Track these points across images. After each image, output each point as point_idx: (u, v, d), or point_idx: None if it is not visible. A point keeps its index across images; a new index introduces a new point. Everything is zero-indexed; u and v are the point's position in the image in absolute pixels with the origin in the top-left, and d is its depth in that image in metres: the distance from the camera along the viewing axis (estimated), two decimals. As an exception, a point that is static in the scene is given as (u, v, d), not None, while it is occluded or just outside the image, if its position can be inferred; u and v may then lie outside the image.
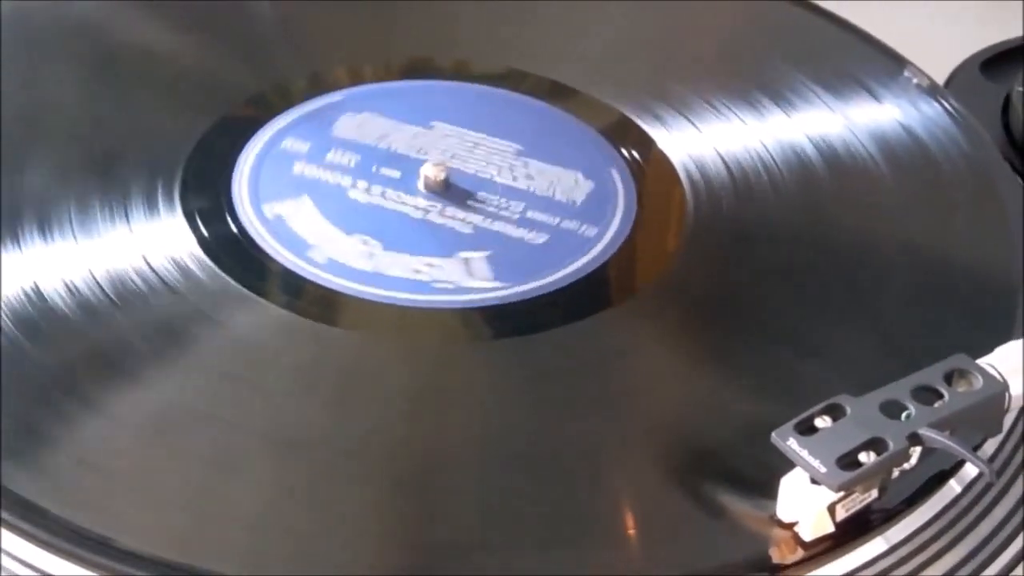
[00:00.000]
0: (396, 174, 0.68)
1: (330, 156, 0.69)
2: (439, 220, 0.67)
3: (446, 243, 0.66)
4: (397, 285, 0.63)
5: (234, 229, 0.65)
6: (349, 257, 0.64)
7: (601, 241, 0.66)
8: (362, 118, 0.71)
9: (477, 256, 0.65)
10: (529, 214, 0.67)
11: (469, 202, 0.68)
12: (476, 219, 0.67)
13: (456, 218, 0.67)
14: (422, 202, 0.67)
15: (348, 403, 0.59)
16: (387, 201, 0.67)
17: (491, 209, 0.67)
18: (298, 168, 0.68)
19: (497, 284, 0.64)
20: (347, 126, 0.71)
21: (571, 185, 0.69)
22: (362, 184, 0.68)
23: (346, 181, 0.68)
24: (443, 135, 0.71)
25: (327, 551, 0.54)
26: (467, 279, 0.64)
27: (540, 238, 0.66)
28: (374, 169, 0.69)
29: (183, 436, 0.58)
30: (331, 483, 0.57)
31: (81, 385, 0.59)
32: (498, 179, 0.69)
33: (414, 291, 0.63)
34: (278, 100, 0.72)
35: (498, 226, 0.67)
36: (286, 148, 0.69)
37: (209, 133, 0.69)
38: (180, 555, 0.54)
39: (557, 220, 0.67)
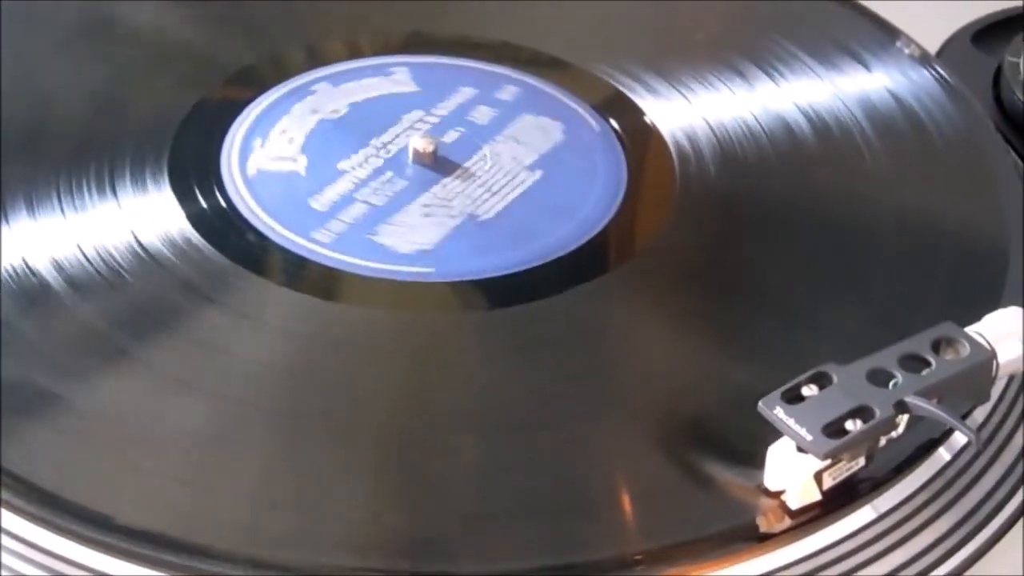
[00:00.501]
0: (389, 173, 0.68)
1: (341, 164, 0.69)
2: (439, 196, 0.67)
3: (449, 215, 0.66)
4: (397, 259, 0.64)
5: (223, 203, 0.65)
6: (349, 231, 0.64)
7: (605, 182, 0.67)
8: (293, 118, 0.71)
9: (481, 218, 0.66)
10: (526, 163, 0.68)
11: (459, 171, 0.68)
12: (479, 180, 0.67)
13: (455, 190, 0.67)
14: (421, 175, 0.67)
15: (343, 376, 0.60)
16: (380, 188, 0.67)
17: (484, 173, 0.68)
18: (319, 205, 0.67)
19: (502, 252, 0.64)
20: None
21: (546, 130, 0.70)
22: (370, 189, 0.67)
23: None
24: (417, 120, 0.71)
25: (324, 524, 0.54)
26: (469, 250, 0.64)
27: (547, 186, 0.67)
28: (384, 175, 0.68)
29: (176, 412, 0.58)
30: (328, 457, 0.57)
31: (71, 361, 0.59)
32: (476, 139, 0.69)
33: (411, 264, 0.63)
34: (268, 74, 0.72)
35: (496, 188, 0.67)
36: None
37: (197, 107, 0.69)
38: (177, 530, 0.54)
39: (550, 166, 0.68)
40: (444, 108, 0.71)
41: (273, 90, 0.71)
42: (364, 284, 0.63)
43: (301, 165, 0.67)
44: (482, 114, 0.70)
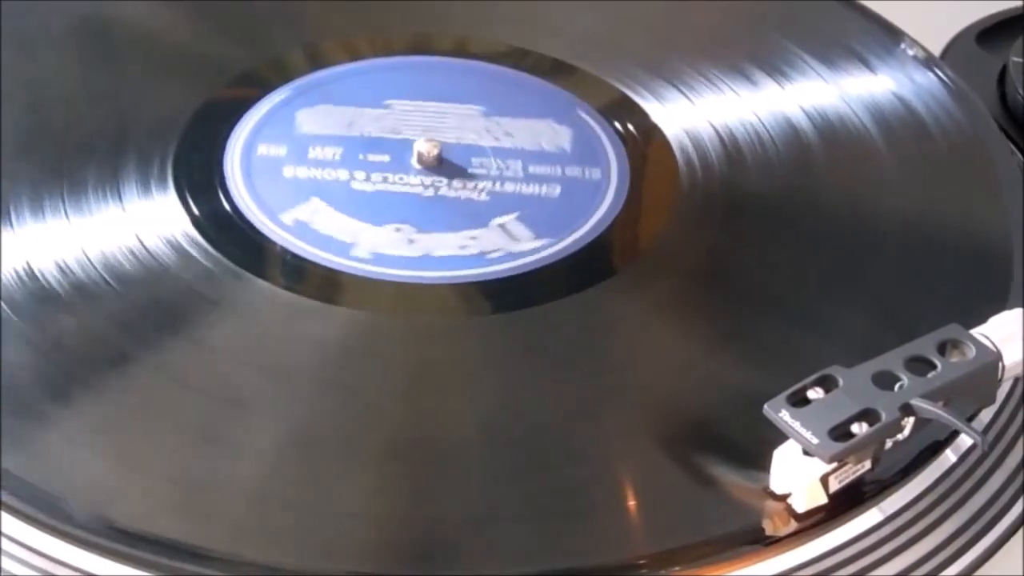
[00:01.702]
0: (385, 158, 0.68)
1: (313, 154, 0.68)
2: (452, 194, 0.67)
3: (474, 214, 0.66)
4: (453, 264, 0.64)
5: (227, 207, 0.65)
6: (389, 247, 0.64)
7: (611, 184, 0.67)
8: (319, 111, 0.70)
9: (510, 219, 0.65)
10: (531, 169, 0.67)
11: (470, 171, 0.68)
12: (486, 186, 0.67)
13: (467, 188, 0.67)
14: (426, 180, 0.67)
15: (347, 379, 0.60)
16: (392, 185, 0.67)
17: (494, 173, 0.67)
18: (289, 172, 0.67)
19: (542, 242, 0.64)
20: (309, 121, 0.70)
21: (551, 133, 0.69)
22: (360, 174, 0.67)
23: (343, 174, 0.67)
24: (404, 111, 0.70)
25: (326, 527, 0.54)
26: (512, 243, 0.64)
27: (555, 190, 0.66)
28: (361, 157, 0.68)
29: (179, 414, 0.58)
30: (330, 460, 0.57)
31: (75, 364, 0.59)
32: (482, 143, 0.69)
33: (476, 266, 0.63)
34: (270, 76, 0.72)
35: (510, 187, 0.67)
36: (265, 155, 0.68)
37: (201, 110, 0.69)
38: (178, 533, 0.54)
39: (560, 169, 0.67)
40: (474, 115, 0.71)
41: (275, 93, 0.71)
42: (366, 287, 0.63)
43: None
44: (505, 128, 0.70)
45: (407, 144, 0.68)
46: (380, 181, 0.67)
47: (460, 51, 0.75)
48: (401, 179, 0.67)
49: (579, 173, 0.68)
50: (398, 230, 0.65)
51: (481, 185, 0.67)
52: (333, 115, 0.70)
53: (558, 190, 0.67)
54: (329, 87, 0.72)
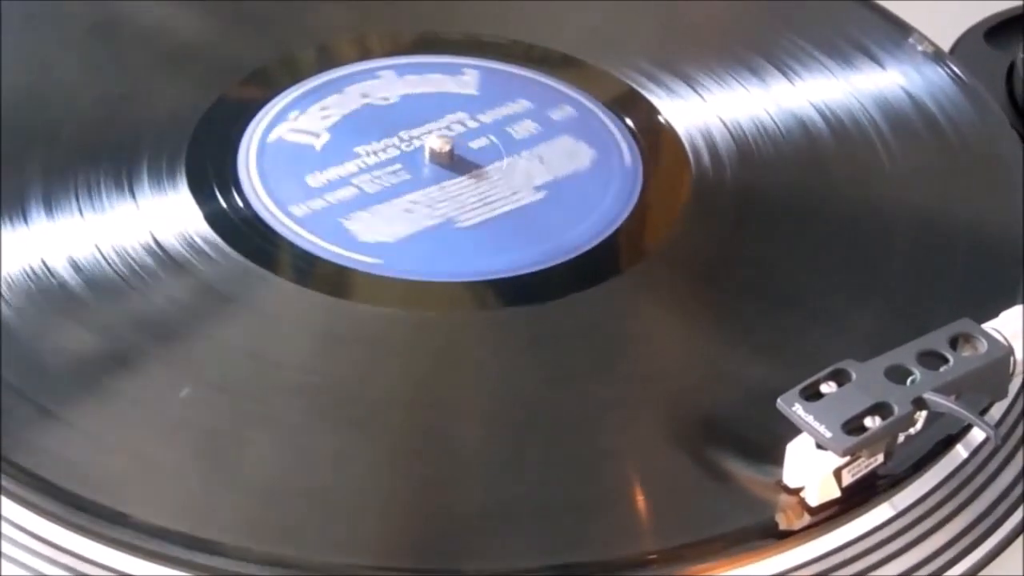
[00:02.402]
0: (398, 162, 0.68)
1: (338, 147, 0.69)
2: (452, 192, 0.67)
3: (462, 215, 0.66)
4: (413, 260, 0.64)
5: (240, 204, 0.65)
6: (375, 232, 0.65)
7: (609, 209, 0.66)
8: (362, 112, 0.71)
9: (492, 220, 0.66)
10: (536, 181, 0.68)
11: (475, 171, 0.68)
12: (485, 188, 0.67)
13: (466, 188, 0.67)
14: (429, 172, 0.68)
15: (356, 374, 0.60)
16: (397, 177, 0.67)
17: (498, 178, 0.68)
18: (314, 181, 0.67)
19: (515, 253, 0.64)
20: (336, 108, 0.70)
21: (575, 152, 0.69)
22: (372, 158, 0.68)
23: (360, 166, 0.68)
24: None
25: (336, 522, 0.55)
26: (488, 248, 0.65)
27: (549, 203, 0.67)
28: (375, 151, 0.68)
29: (193, 410, 0.58)
30: (340, 454, 0.57)
31: (89, 360, 0.59)
32: (500, 146, 0.69)
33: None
34: (282, 74, 0.72)
35: (509, 194, 0.67)
36: (290, 140, 0.68)
37: (214, 107, 0.70)
38: (190, 527, 0.54)
39: (563, 185, 0.68)
40: (490, 115, 0.71)
41: (289, 90, 0.71)
42: (379, 283, 0.63)
43: (320, 141, 0.68)
44: (524, 128, 0.70)
45: (420, 146, 0.69)
46: (391, 175, 0.67)
47: (468, 46, 0.75)
48: (403, 176, 0.67)
49: (584, 192, 0.67)
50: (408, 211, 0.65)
51: (481, 187, 0.67)
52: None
53: (553, 203, 0.67)
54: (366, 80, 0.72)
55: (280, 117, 0.69)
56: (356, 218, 0.65)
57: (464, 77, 0.73)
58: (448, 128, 0.69)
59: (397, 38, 0.75)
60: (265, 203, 0.65)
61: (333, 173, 0.67)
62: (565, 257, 0.64)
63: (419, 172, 0.67)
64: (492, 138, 0.70)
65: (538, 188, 0.68)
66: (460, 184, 0.67)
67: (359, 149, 0.68)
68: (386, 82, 0.72)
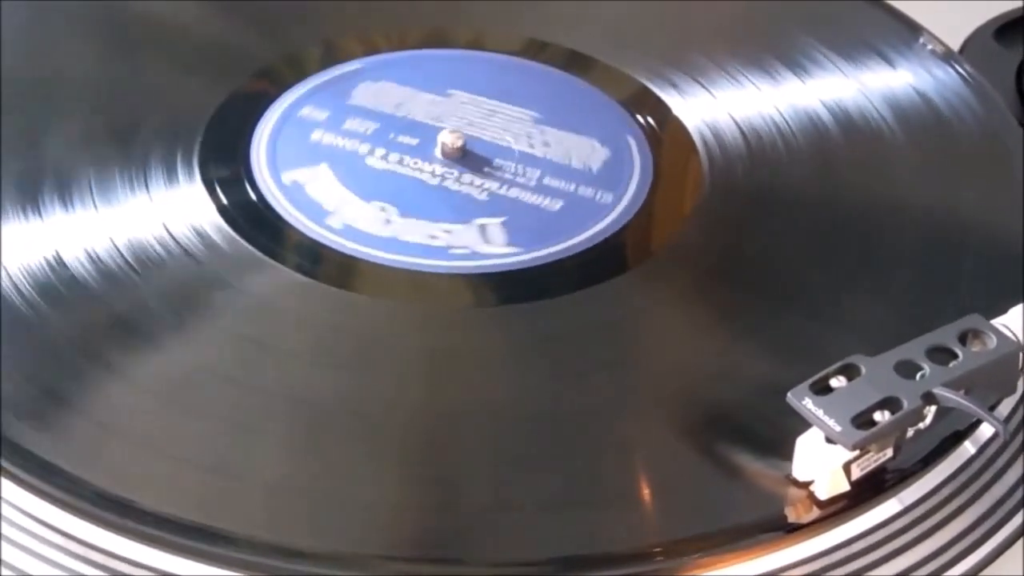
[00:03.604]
0: (413, 141, 0.69)
1: (348, 124, 0.69)
2: (455, 187, 0.67)
3: (462, 209, 0.66)
4: (414, 251, 0.64)
5: (253, 196, 0.66)
6: (366, 223, 0.65)
7: (616, 208, 0.67)
8: (380, 87, 0.71)
9: (493, 222, 0.66)
10: (546, 180, 0.68)
11: (486, 169, 0.68)
12: (492, 186, 0.67)
13: (473, 184, 0.67)
14: (439, 169, 0.68)
15: (364, 366, 0.60)
16: (404, 168, 0.68)
17: (507, 176, 0.68)
18: (316, 136, 0.68)
19: (512, 249, 0.64)
20: (365, 94, 0.71)
21: (588, 152, 0.69)
22: (379, 151, 0.68)
23: (363, 148, 0.68)
24: (460, 103, 0.71)
25: (344, 512, 0.55)
26: (483, 245, 0.64)
27: (556, 204, 0.67)
28: (391, 136, 0.69)
29: (203, 400, 0.58)
30: (348, 445, 0.57)
31: (102, 351, 0.60)
32: (515, 146, 0.69)
33: (430, 256, 0.64)
34: (295, 69, 0.72)
35: (514, 192, 0.67)
36: (304, 116, 0.69)
37: (228, 101, 0.70)
38: (200, 516, 0.54)
39: (573, 187, 0.68)
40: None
41: (300, 85, 0.71)
42: (387, 276, 0.63)
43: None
44: (523, 125, 0.71)
45: (439, 132, 0.69)
46: (396, 162, 0.68)
47: (477, 44, 0.75)
48: (416, 164, 0.68)
49: (591, 194, 0.67)
50: (382, 209, 0.65)
51: (488, 184, 0.67)
52: (390, 93, 0.71)
53: (559, 205, 0.67)
54: (397, 68, 0.72)
55: (292, 118, 0.69)
56: (401, 222, 0.65)
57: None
58: (477, 127, 0.70)
59: (404, 37, 0.76)
60: (275, 193, 0.66)
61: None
62: (575, 252, 0.65)
63: (429, 160, 0.68)
64: (512, 142, 0.70)
65: (550, 183, 0.68)
66: (480, 176, 0.68)
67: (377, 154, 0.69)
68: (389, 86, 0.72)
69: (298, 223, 0.65)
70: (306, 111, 0.70)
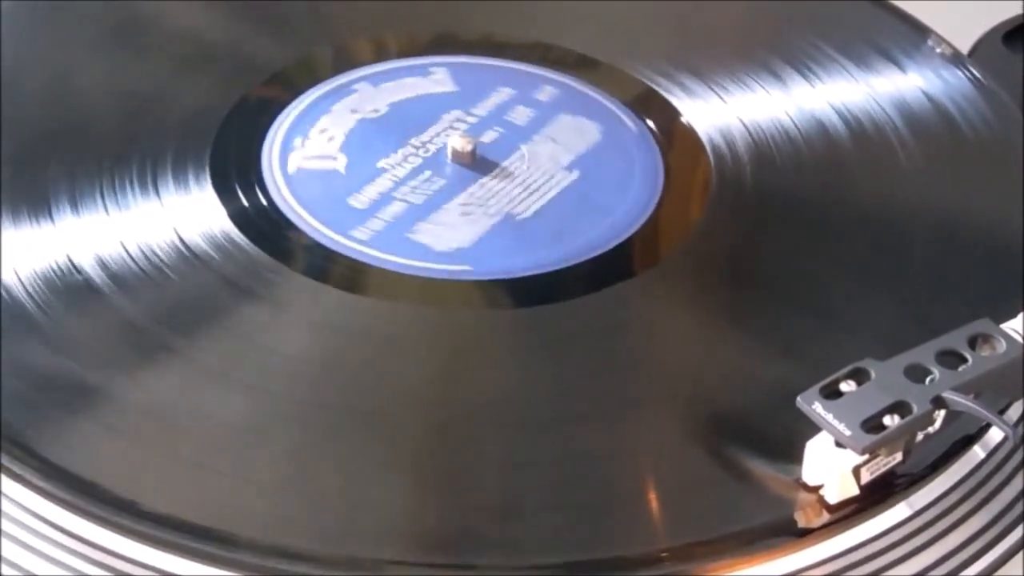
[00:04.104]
0: (426, 169, 0.68)
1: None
2: (485, 190, 0.67)
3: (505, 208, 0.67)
4: (425, 255, 0.64)
5: (263, 201, 0.66)
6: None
7: (626, 211, 0.67)
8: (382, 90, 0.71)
9: (523, 215, 0.66)
10: (563, 161, 0.69)
11: (503, 165, 0.68)
12: (512, 185, 0.68)
13: (502, 182, 0.68)
14: (466, 175, 0.68)
15: (373, 370, 0.60)
16: (433, 184, 0.67)
17: (525, 169, 0.68)
18: (358, 203, 0.67)
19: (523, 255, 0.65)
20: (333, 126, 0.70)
21: (583, 129, 0.70)
22: (401, 170, 0.68)
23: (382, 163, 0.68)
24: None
25: (353, 516, 0.55)
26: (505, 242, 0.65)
27: (583, 184, 0.68)
28: (402, 160, 0.68)
29: (209, 402, 0.58)
30: (357, 449, 0.57)
31: (110, 353, 0.60)
32: (516, 139, 0.69)
33: (440, 261, 0.64)
34: (307, 74, 0.73)
35: (541, 182, 0.68)
36: (305, 168, 0.68)
37: (239, 106, 0.70)
38: (207, 519, 0.54)
39: (588, 164, 0.69)
40: (483, 108, 0.71)
41: (313, 90, 0.71)
42: (400, 281, 0.63)
43: (341, 164, 0.68)
44: (520, 114, 0.71)
45: (443, 147, 0.69)
46: (428, 183, 0.68)
47: (486, 47, 0.75)
48: (439, 181, 0.68)
49: (608, 169, 0.68)
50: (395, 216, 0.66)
51: (505, 185, 0.67)
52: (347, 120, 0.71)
53: (586, 183, 0.67)
54: (349, 95, 0.72)
55: (288, 145, 0.69)
56: (421, 230, 0.65)
57: (436, 76, 0.73)
58: (451, 127, 0.70)
59: (424, 37, 0.76)
60: (290, 202, 0.66)
61: (373, 191, 0.67)
62: (585, 257, 0.65)
63: (450, 174, 0.68)
64: (498, 129, 0.70)
65: (568, 168, 0.68)
66: (496, 179, 0.68)
67: (383, 164, 0.68)
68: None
69: (308, 227, 0.65)
70: (301, 160, 0.69)
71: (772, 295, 0.64)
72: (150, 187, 0.66)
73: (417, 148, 0.69)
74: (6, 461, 0.55)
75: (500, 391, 0.60)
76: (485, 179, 0.68)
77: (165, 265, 0.63)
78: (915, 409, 0.55)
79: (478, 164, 0.68)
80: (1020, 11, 0.81)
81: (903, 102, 0.73)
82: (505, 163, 0.68)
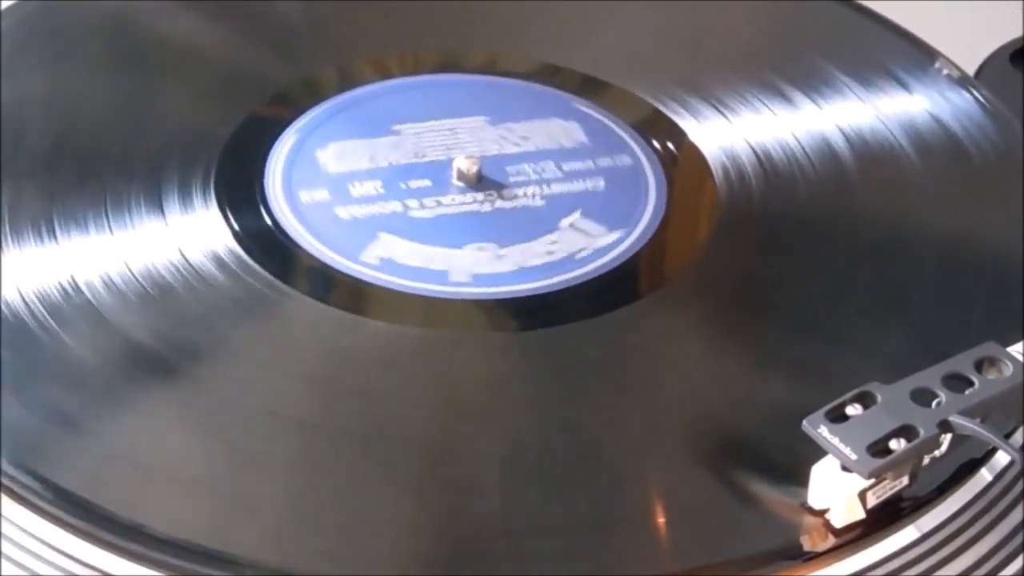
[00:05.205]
0: (427, 182, 0.68)
1: (356, 191, 0.68)
2: (509, 205, 0.67)
3: (545, 220, 0.66)
4: (427, 277, 0.64)
5: (268, 221, 0.66)
6: (482, 266, 0.65)
7: (632, 233, 0.67)
8: (334, 148, 0.70)
9: (576, 218, 0.66)
10: (565, 167, 0.68)
11: (511, 179, 0.68)
12: (535, 191, 0.68)
13: (519, 197, 0.67)
14: (477, 196, 0.68)
15: (376, 391, 0.60)
16: (448, 208, 0.67)
17: (534, 178, 0.68)
18: (344, 214, 0.67)
19: (618, 233, 0.66)
20: (331, 160, 0.69)
21: (562, 130, 0.70)
22: (412, 202, 0.68)
23: (397, 206, 0.67)
24: (415, 133, 0.71)
25: (353, 536, 0.55)
26: (592, 239, 0.65)
27: (599, 182, 0.67)
28: (403, 186, 0.68)
29: (213, 423, 0.58)
30: (360, 470, 0.57)
31: (114, 374, 0.60)
32: (507, 151, 0.69)
33: (444, 283, 0.64)
34: (311, 93, 0.72)
35: (557, 188, 0.68)
36: (309, 202, 0.67)
37: (243, 125, 0.70)
38: (212, 541, 0.54)
39: (590, 162, 0.68)
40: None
41: (316, 108, 0.71)
42: (403, 302, 0.63)
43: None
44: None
45: (441, 165, 0.69)
46: (435, 205, 0.67)
47: (490, 68, 0.75)
48: (453, 200, 0.68)
49: (610, 161, 0.68)
50: (481, 249, 0.65)
51: (530, 190, 0.68)
52: (350, 151, 0.70)
53: (602, 181, 0.68)
54: (333, 121, 0.71)
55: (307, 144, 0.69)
56: (425, 251, 0.65)
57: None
58: (458, 147, 0.70)
59: (417, 60, 0.76)
60: (292, 222, 0.66)
61: (377, 211, 0.67)
62: (590, 278, 0.65)
63: (455, 194, 0.68)
64: (499, 148, 0.70)
65: (574, 188, 0.68)
66: (502, 200, 0.68)
67: (390, 184, 0.68)
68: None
69: (312, 248, 0.65)
70: (305, 196, 0.67)
71: (778, 318, 0.64)
72: (155, 206, 0.66)
73: (423, 165, 0.69)
74: (7, 482, 0.55)
75: (503, 413, 0.60)
76: (490, 199, 0.67)
77: (168, 285, 0.63)
78: (922, 433, 0.55)
79: (483, 184, 0.68)
80: (1026, 31, 0.82)
81: (910, 124, 0.73)
82: (510, 184, 0.68)
